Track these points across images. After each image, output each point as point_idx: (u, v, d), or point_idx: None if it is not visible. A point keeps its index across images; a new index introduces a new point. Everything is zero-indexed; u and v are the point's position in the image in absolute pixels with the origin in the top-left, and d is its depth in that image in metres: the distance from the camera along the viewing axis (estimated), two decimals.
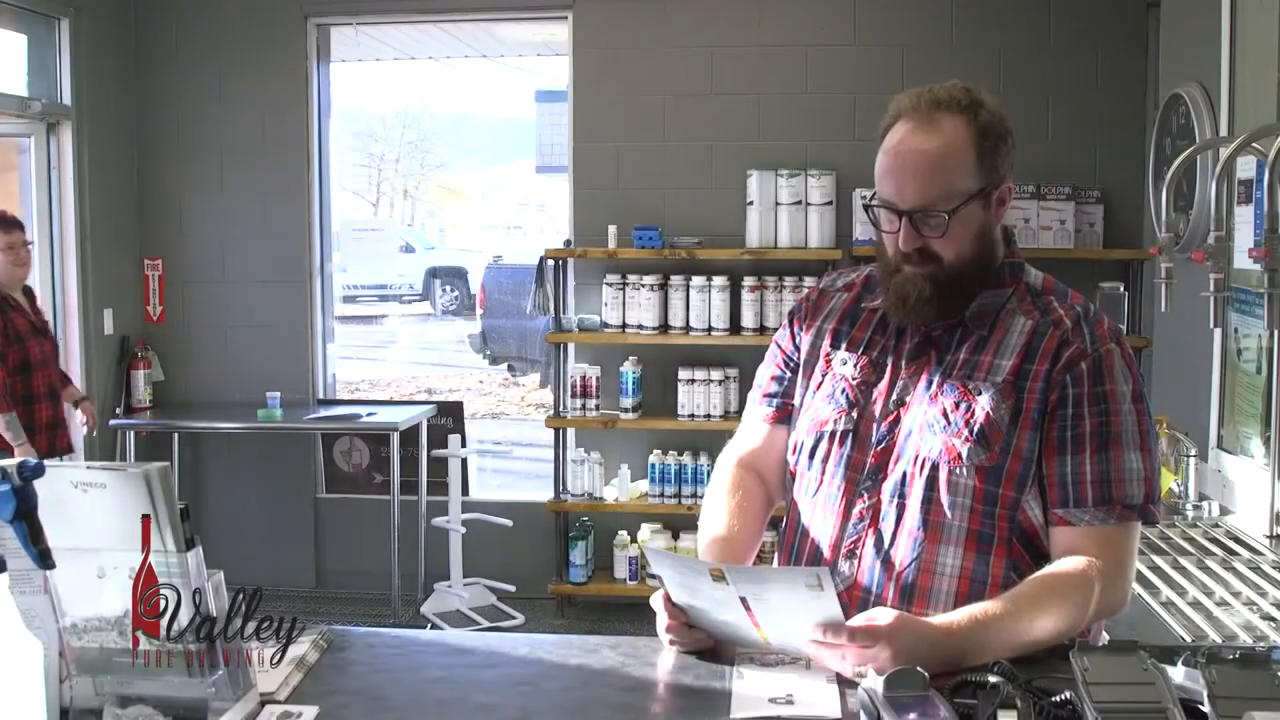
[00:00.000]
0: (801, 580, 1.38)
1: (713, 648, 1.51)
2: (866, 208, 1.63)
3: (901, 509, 1.58)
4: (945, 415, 1.57)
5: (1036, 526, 1.56)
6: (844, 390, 1.67)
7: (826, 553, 1.62)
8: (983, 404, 1.55)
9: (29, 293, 4.35)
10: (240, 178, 5.28)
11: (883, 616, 1.37)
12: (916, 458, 1.57)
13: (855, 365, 1.68)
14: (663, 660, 1.50)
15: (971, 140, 1.55)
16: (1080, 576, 1.48)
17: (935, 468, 1.56)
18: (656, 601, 1.53)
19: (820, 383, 1.71)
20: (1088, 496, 1.52)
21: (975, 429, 1.55)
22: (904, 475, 1.58)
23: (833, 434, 1.65)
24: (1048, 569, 1.52)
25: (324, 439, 5.37)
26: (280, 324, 5.30)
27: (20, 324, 4.15)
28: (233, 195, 5.29)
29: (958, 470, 1.54)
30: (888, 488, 1.59)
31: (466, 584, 4.97)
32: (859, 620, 1.38)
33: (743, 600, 1.43)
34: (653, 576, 1.81)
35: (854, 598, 1.58)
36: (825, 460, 1.66)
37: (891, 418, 1.62)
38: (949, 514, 1.55)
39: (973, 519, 1.55)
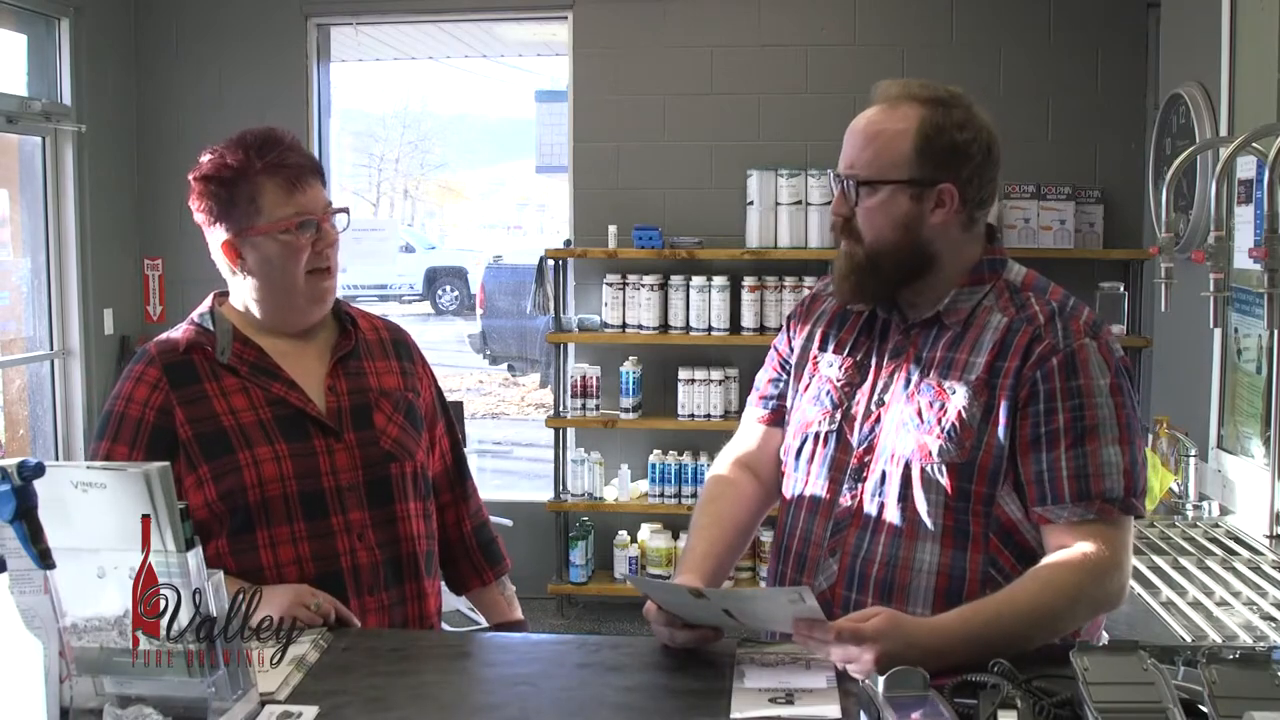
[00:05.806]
0: (784, 597, 1.42)
1: (711, 639, 1.51)
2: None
3: (881, 507, 1.58)
4: (919, 414, 1.57)
5: (1014, 521, 1.55)
6: (828, 392, 1.68)
7: (811, 551, 1.64)
8: (956, 402, 1.55)
9: (348, 337, 1.96)
10: None
11: (872, 620, 1.36)
12: (893, 456, 1.58)
13: (840, 367, 1.69)
14: (663, 660, 1.50)
15: (915, 131, 1.56)
16: (1068, 565, 1.47)
17: (909, 465, 1.56)
18: (650, 613, 1.53)
19: (808, 385, 1.72)
20: (1065, 492, 1.50)
21: (947, 427, 1.54)
22: (883, 474, 1.59)
23: (818, 435, 1.67)
24: (1040, 563, 1.51)
25: None
26: None
27: (262, 402, 1.80)
28: None
29: (930, 468, 1.55)
30: (869, 487, 1.60)
31: None
32: (847, 621, 1.37)
33: (726, 612, 1.46)
34: (651, 578, 1.83)
35: (836, 596, 1.59)
36: (810, 461, 1.67)
37: (873, 418, 1.62)
38: (924, 511, 1.55)
39: (947, 515, 1.55)
